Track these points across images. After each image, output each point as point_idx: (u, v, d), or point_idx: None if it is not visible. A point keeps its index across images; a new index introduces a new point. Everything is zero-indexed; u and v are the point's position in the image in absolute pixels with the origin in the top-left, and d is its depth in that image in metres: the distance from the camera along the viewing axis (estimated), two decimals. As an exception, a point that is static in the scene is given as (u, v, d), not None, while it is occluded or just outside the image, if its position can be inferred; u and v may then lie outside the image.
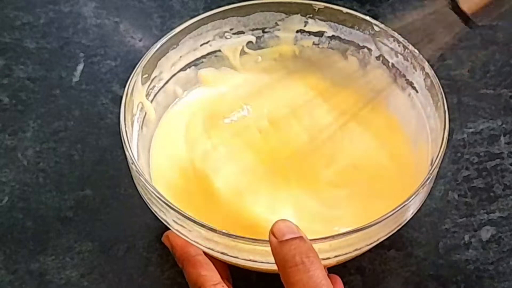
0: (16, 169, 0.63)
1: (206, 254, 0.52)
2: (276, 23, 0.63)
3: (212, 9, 0.61)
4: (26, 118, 0.66)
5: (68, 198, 0.61)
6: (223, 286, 0.50)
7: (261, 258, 0.50)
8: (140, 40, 0.72)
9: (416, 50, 0.58)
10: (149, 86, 0.59)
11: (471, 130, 0.65)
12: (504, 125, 0.66)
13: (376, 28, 0.60)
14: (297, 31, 0.63)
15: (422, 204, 0.53)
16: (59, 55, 0.71)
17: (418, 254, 0.58)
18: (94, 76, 0.69)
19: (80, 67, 0.70)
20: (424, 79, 0.57)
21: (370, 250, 0.54)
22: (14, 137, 0.65)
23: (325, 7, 0.61)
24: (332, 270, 0.55)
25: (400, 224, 0.52)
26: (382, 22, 0.60)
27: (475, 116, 0.66)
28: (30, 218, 0.60)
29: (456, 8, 0.51)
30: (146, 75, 0.58)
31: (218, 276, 0.51)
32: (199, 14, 0.61)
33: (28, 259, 0.58)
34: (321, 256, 0.47)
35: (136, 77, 0.57)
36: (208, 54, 0.63)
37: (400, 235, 0.58)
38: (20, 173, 0.63)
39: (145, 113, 0.59)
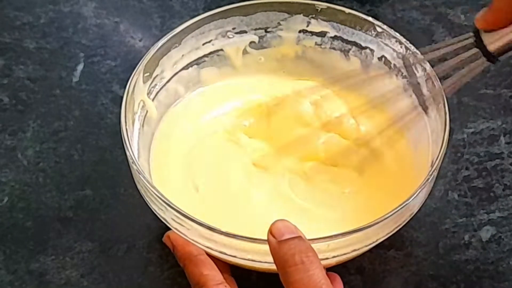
0: (16, 169, 0.63)
1: (207, 253, 0.52)
2: (278, 23, 0.63)
3: (212, 9, 0.61)
4: (26, 118, 0.66)
5: (68, 198, 0.61)
6: (225, 285, 0.50)
7: (259, 257, 0.50)
8: (140, 40, 0.72)
9: (418, 51, 0.58)
10: (150, 84, 0.59)
11: (471, 130, 0.65)
12: (504, 125, 0.66)
13: (378, 29, 0.60)
14: (299, 31, 0.63)
15: (422, 205, 0.54)
16: (59, 55, 0.71)
17: (418, 254, 0.58)
18: (94, 76, 0.69)
19: (80, 67, 0.70)
20: (425, 80, 0.57)
21: (370, 250, 0.54)
22: (14, 137, 0.65)
23: (328, 7, 0.61)
24: (332, 270, 0.55)
25: (399, 225, 0.52)
26: (384, 23, 0.60)
27: (475, 116, 0.66)
28: (30, 218, 0.60)
29: (482, 47, 0.51)
30: (148, 74, 0.58)
31: (220, 276, 0.51)
32: (199, 14, 0.61)
33: (28, 259, 0.58)
34: (320, 256, 0.47)
35: (137, 75, 0.57)
36: (210, 53, 0.63)
37: (400, 235, 0.58)
38: (20, 173, 0.63)
39: (146, 111, 0.59)
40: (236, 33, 0.63)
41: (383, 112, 0.60)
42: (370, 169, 0.58)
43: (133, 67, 0.57)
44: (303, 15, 0.62)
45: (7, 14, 0.74)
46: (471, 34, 0.52)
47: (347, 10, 0.61)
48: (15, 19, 0.74)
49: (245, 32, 0.63)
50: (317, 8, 0.61)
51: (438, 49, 0.55)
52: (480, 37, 0.51)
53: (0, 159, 0.63)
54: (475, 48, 0.52)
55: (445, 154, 0.53)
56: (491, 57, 0.52)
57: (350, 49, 0.62)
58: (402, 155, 0.59)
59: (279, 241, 0.46)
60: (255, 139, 0.60)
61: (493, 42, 0.51)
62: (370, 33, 0.61)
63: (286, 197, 0.56)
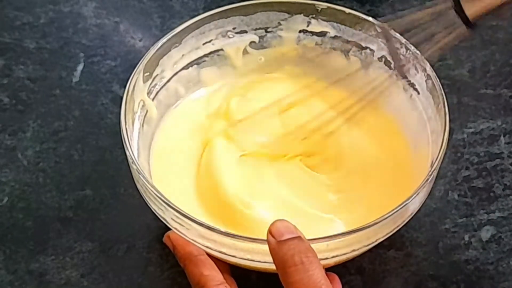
0: (16, 169, 0.63)
1: (207, 253, 0.52)
2: (279, 22, 0.63)
3: (212, 9, 0.61)
4: (26, 118, 0.66)
5: (68, 198, 0.61)
6: (226, 286, 0.50)
7: (259, 257, 0.50)
8: (140, 40, 0.72)
9: (418, 52, 0.58)
10: (150, 84, 0.59)
11: (471, 130, 0.65)
12: (504, 125, 0.66)
13: (378, 29, 0.60)
14: (299, 31, 0.63)
15: (422, 205, 0.54)
16: (59, 55, 0.71)
17: (418, 254, 0.58)
18: (94, 76, 0.69)
19: (80, 67, 0.70)
20: (425, 81, 0.57)
21: (370, 250, 0.54)
22: (14, 137, 0.65)
23: (328, 7, 0.61)
24: (331, 270, 0.55)
25: (398, 226, 0.52)
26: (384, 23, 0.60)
27: (475, 116, 0.66)
28: (30, 218, 0.60)
29: (460, 12, 0.51)
30: (148, 73, 0.58)
31: (221, 276, 0.51)
32: (199, 14, 0.61)
33: (28, 259, 0.58)
34: (319, 256, 0.47)
35: (137, 75, 0.57)
36: (210, 53, 0.63)
37: (400, 235, 0.58)
38: (20, 173, 0.63)
39: (146, 111, 0.59)
40: (237, 33, 0.63)
41: (380, 112, 0.60)
42: (370, 170, 0.58)
43: (133, 67, 0.57)
44: (304, 15, 0.62)
45: (7, 14, 0.74)
46: None
47: (347, 10, 0.61)
48: (15, 19, 0.74)
49: (245, 32, 0.63)
50: (317, 8, 0.61)
51: (411, 14, 0.55)
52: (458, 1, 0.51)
53: (0, 159, 0.63)
54: (453, 12, 0.51)
55: (445, 154, 0.53)
56: (469, 22, 0.51)
57: (350, 49, 0.62)
58: (402, 155, 0.59)
59: (279, 241, 0.46)
60: (254, 139, 0.60)
61: (471, 6, 0.51)
62: (370, 33, 0.61)
63: (285, 197, 0.56)
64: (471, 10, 0.51)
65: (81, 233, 0.59)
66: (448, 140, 0.53)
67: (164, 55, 0.60)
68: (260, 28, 0.63)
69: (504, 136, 0.65)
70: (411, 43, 0.56)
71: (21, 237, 0.59)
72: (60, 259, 0.58)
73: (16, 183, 0.62)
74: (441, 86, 0.55)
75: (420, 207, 0.53)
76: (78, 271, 0.57)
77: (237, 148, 0.58)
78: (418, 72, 0.58)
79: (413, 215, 0.53)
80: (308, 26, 0.62)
